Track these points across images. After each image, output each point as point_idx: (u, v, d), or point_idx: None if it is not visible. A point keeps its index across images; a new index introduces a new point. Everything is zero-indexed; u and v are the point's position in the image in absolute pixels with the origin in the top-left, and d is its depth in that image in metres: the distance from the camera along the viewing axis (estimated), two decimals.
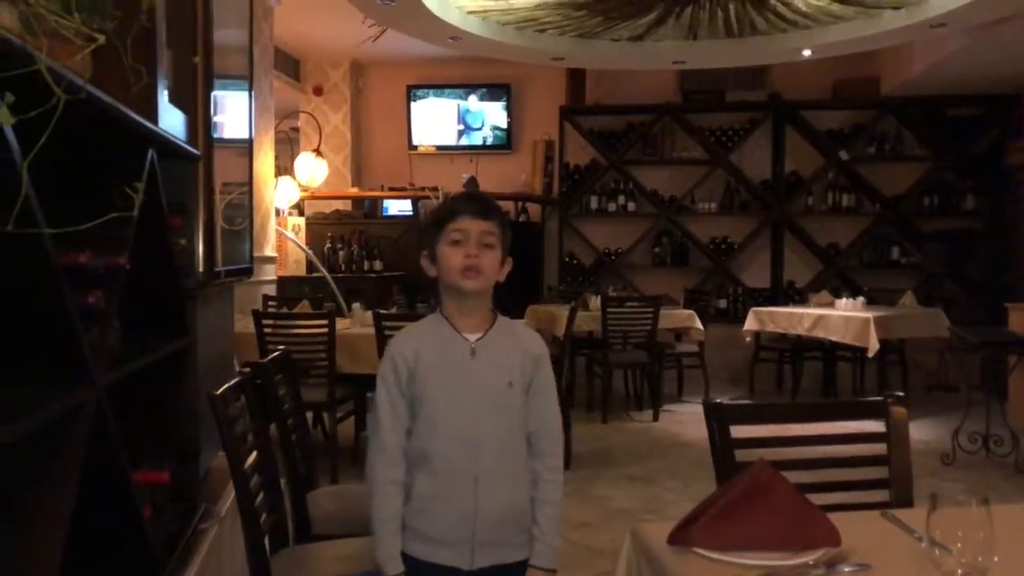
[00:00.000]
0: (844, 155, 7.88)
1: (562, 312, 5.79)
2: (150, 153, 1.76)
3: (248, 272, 3.12)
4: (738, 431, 1.86)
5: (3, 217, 1.01)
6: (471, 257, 1.63)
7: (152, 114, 1.83)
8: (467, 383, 1.65)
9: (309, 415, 4.44)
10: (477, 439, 1.63)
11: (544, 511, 1.70)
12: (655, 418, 6.06)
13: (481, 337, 1.68)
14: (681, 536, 1.40)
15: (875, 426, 1.93)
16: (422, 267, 1.75)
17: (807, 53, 6.49)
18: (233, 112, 3.03)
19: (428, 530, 1.64)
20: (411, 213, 8.04)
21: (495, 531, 1.64)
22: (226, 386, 1.98)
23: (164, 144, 1.89)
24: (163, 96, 1.94)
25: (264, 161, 5.56)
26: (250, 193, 3.34)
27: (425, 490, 1.65)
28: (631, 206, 8.21)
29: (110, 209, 1.38)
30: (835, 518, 1.42)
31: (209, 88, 2.55)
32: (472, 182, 7.73)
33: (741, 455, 1.84)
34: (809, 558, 1.33)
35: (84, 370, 1.32)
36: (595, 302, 6.24)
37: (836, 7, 5.63)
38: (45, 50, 1.02)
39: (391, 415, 1.66)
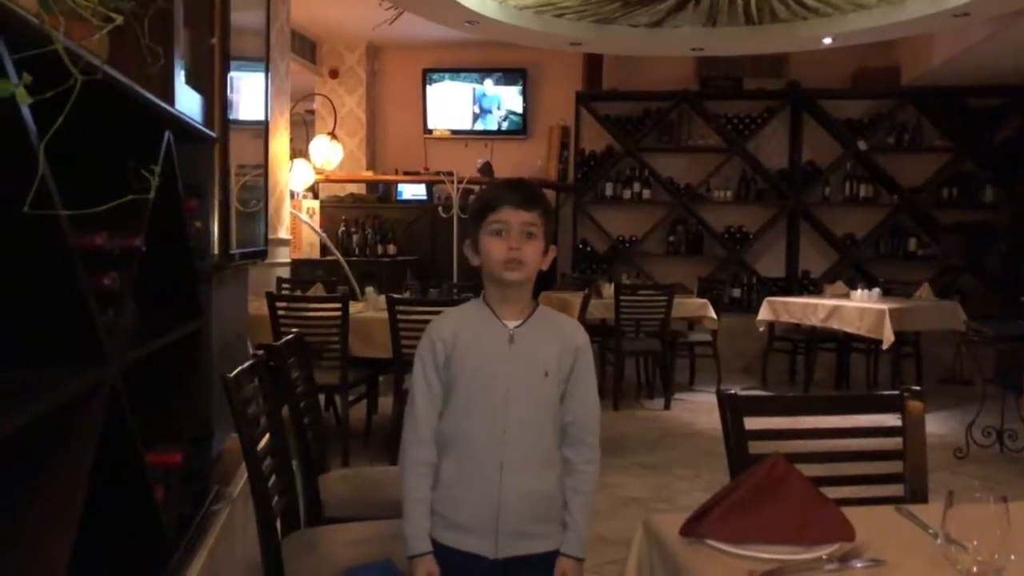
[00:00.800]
0: (863, 145, 7.81)
1: (575, 299, 5.78)
2: (167, 135, 1.76)
3: (263, 255, 3.12)
4: (752, 423, 1.84)
5: (20, 198, 1.00)
6: (513, 250, 1.63)
7: (169, 95, 1.82)
8: (502, 369, 1.65)
9: (321, 398, 4.46)
10: (505, 425, 1.63)
11: (577, 500, 1.70)
12: (667, 406, 6.04)
13: (520, 324, 1.68)
14: (694, 528, 1.39)
15: (890, 420, 1.92)
16: (466, 255, 1.74)
17: (827, 41, 6.42)
18: (249, 94, 3.02)
19: (453, 516, 1.65)
20: (425, 198, 8.04)
21: (519, 520, 1.64)
22: (240, 368, 1.98)
23: (180, 126, 1.88)
24: (180, 77, 1.94)
25: (279, 143, 5.55)
26: (265, 175, 3.34)
27: (451, 475, 1.66)
28: (646, 193, 8.17)
29: (126, 191, 1.38)
30: (849, 513, 1.41)
31: (226, 70, 2.54)
32: (487, 167, 7.71)
33: (754, 447, 1.83)
34: (823, 552, 1.32)
35: (99, 352, 1.32)
36: (608, 289, 6.22)
37: None
38: (62, 30, 1.02)
39: (427, 395, 1.67)
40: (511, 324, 1.68)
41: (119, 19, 1.12)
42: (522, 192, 1.67)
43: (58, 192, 1.14)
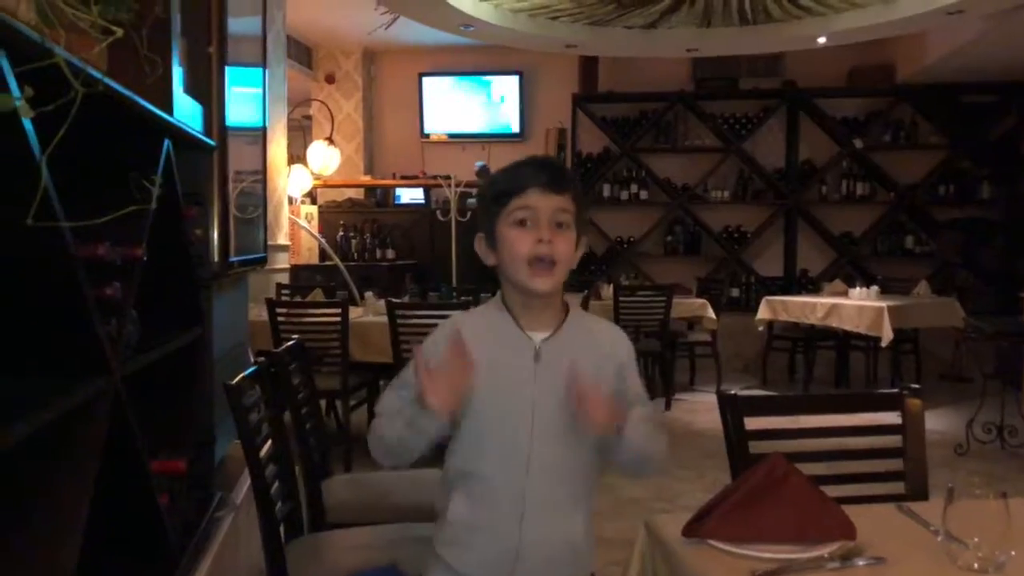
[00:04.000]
0: (858, 143, 7.82)
1: (574, 301, 5.77)
2: (166, 144, 1.77)
3: (262, 261, 3.13)
4: (752, 422, 1.85)
5: (23, 211, 1.01)
6: (543, 243, 1.31)
7: (167, 104, 1.83)
8: (526, 394, 1.35)
9: (322, 403, 4.47)
10: (529, 462, 1.34)
11: (637, 426, 1.36)
12: (667, 407, 6.05)
13: (549, 336, 1.37)
14: (696, 528, 1.40)
15: (890, 418, 1.93)
16: (478, 252, 1.42)
17: (822, 40, 6.43)
18: (246, 100, 3.03)
19: (460, 563, 1.39)
20: (423, 202, 8.05)
21: (539, 573, 1.38)
22: (241, 375, 1.99)
23: (179, 134, 1.89)
24: (178, 86, 1.95)
25: (277, 149, 5.56)
26: (264, 182, 3.35)
27: (461, 516, 1.38)
28: (644, 194, 8.18)
29: (126, 200, 1.39)
30: (850, 511, 1.41)
31: (223, 77, 2.55)
32: (484, 170, 7.72)
33: (755, 446, 1.84)
34: (824, 551, 1.32)
35: (103, 361, 1.33)
36: (607, 291, 6.23)
37: None
38: (63, 43, 1.02)
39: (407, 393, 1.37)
40: (538, 337, 1.37)
41: (119, 32, 1.13)
42: (551, 171, 1.34)
43: (59, 203, 1.15)
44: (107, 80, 1.14)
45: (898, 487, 1.87)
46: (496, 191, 1.36)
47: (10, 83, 0.95)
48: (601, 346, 1.43)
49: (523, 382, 1.36)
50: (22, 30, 0.96)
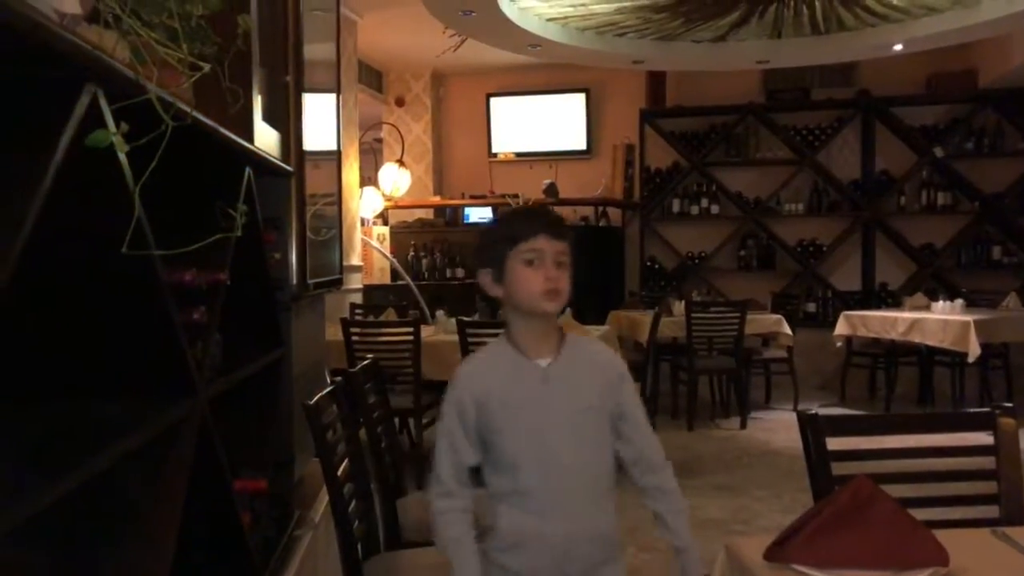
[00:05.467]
0: (939, 151, 7.57)
1: (645, 318, 5.74)
2: (247, 171, 1.83)
3: (338, 283, 3.19)
4: (833, 442, 1.80)
5: (117, 240, 1.06)
6: (551, 280, 1.54)
7: (248, 133, 1.89)
8: (542, 413, 1.56)
9: (395, 421, 4.52)
10: (562, 470, 1.55)
11: (680, 520, 1.63)
12: (742, 426, 5.93)
13: (552, 361, 1.59)
14: (778, 552, 1.36)
15: (981, 438, 1.85)
16: (481, 284, 1.64)
17: (898, 47, 6.27)
18: (321, 125, 3.10)
19: (515, 565, 1.57)
20: (492, 220, 8.11)
21: (584, 565, 1.58)
22: (319, 395, 2.03)
23: (260, 162, 1.95)
24: (258, 115, 2.01)
25: (350, 172, 5.68)
26: (339, 204, 3.42)
27: (513, 525, 1.57)
28: (715, 209, 8.07)
29: (211, 226, 1.44)
30: (941, 536, 1.36)
31: (300, 104, 2.62)
32: (551, 188, 7.74)
33: (837, 467, 1.78)
34: None
35: (189, 383, 1.37)
36: (679, 307, 6.16)
37: None
38: (155, 79, 1.07)
39: (449, 457, 1.58)
40: (543, 362, 1.59)
41: (207, 67, 1.18)
42: (554, 222, 1.59)
43: (151, 232, 1.19)
44: (195, 114, 1.19)
45: (991, 511, 1.79)
46: (507, 235, 1.59)
47: (107, 119, 0.99)
48: (598, 363, 1.65)
49: (538, 406, 1.57)
50: (118, 69, 1.00)
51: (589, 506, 1.58)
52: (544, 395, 1.57)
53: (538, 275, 1.55)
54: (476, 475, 1.62)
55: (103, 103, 0.98)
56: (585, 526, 1.57)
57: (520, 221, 1.60)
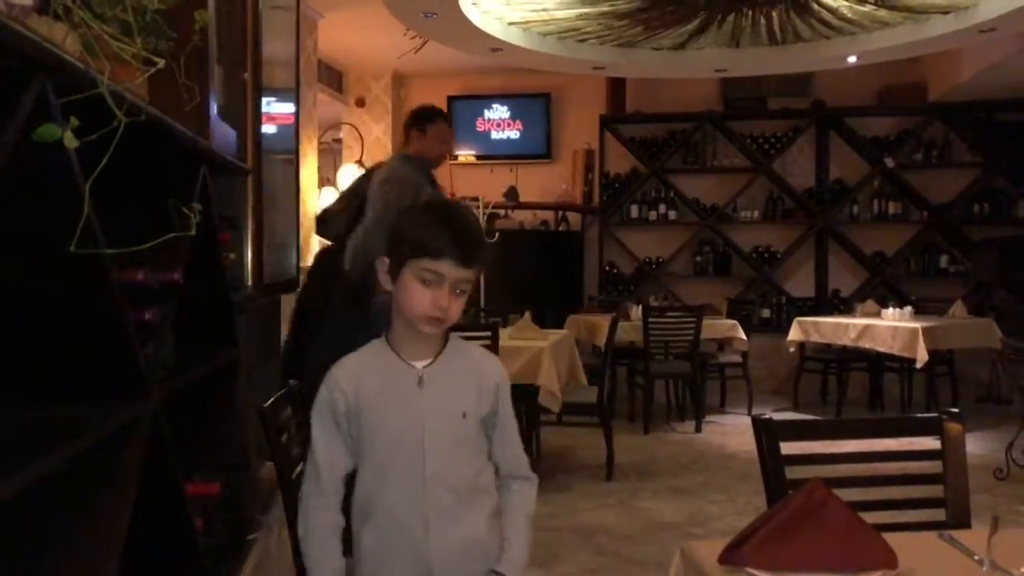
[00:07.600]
0: (890, 162, 7.74)
1: (603, 322, 5.76)
2: (203, 169, 1.80)
3: (294, 283, 3.16)
4: (787, 447, 1.83)
5: (66, 237, 1.03)
6: (439, 308, 1.46)
7: (204, 131, 1.86)
8: (414, 418, 1.49)
9: None
10: (425, 478, 1.48)
11: (519, 521, 1.58)
12: (698, 429, 5.99)
13: (430, 363, 1.53)
14: (733, 556, 1.37)
15: (929, 443, 1.89)
16: (377, 270, 1.55)
17: (852, 59, 6.40)
18: (279, 125, 3.07)
19: None
20: None
21: (462, 570, 1.51)
22: (274, 398, 2.00)
23: (215, 160, 1.92)
24: (214, 112, 1.98)
25: (308, 172, 5.62)
26: (296, 205, 3.38)
27: (373, 543, 1.50)
28: (672, 215, 8.15)
29: (164, 225, 1.41)
30: (890, 539, 1.38)
31: (258, 103, 2.59)
32: (512, 192, 7.75)
33: (791, 471, 1.81)
34: None
35: (141, 384, 1.34)
36: (636, 312, 6.20)
37: (883, 13, 5.54)
38: (107, 73, 1.04)
39: (323, 454, 1.52)
40: (419, 364, 1.52)
41: (161, 63, 1.16)
42: (467, 248, 1.48)
43: (100, 229, 1.16)
44: (150, 109, 1.16)
45: (938, 514, 1.83)
46: (420, 242, 1.47)
47: (55, 114, 0.97)
48: (478, 369, 1.57)
49: (410, 406, 1.50)
50: (69, 61, 0.98)
51: (457, 513, 1.50)
52: (417, 399, 1.50)
53: (427, 297, 1.46)
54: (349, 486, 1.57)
55: (52, 97, 0.95)
56: (451, 535, 1.50)
57: (433, 233, 1.48)
